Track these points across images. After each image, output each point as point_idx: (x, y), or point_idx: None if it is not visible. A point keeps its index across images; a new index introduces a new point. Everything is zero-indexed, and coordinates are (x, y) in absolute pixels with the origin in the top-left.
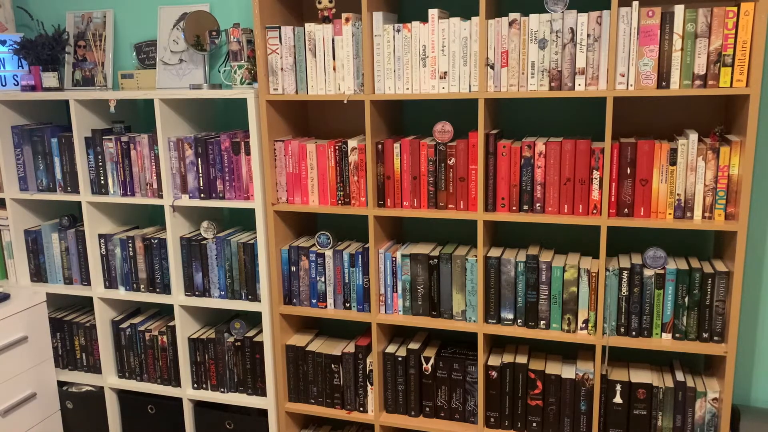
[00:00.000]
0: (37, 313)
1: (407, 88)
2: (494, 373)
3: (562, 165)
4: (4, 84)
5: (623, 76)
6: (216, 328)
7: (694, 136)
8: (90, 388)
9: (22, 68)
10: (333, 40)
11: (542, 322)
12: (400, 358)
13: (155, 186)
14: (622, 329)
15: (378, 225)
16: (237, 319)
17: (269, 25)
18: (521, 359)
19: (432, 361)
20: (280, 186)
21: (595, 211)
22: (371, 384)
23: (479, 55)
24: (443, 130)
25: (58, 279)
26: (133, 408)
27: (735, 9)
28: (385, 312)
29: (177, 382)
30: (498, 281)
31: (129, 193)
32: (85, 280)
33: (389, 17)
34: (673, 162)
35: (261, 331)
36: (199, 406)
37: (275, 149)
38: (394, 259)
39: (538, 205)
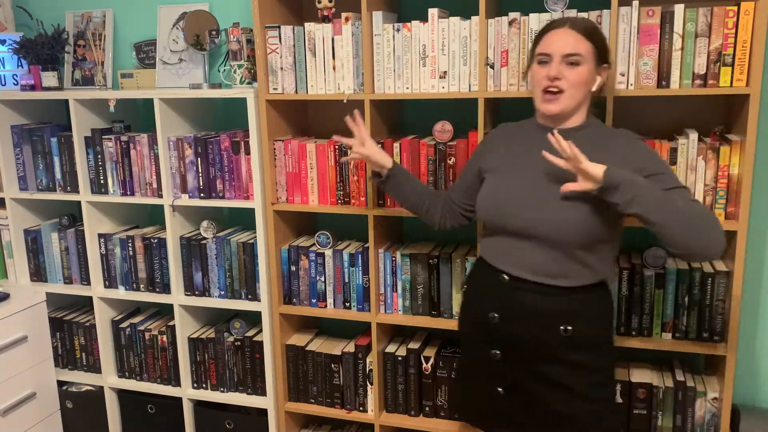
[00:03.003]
0: (37, 313)
1: (407, 88)
2: None
3: None
4: (3, 83)
5: (623, 75)
6: (216, 327)
7: (694, 136)
8: (90, 387)
9: (22, 68)
10: (333, 40)
11: None
12: (399, 358)
13: (155, 185)
14: (622, 329)
15: (378, 224)
16: (237, 319)
17: (269, 25)
18: None
19: (432, 360)
20: (280, 185)
21: None
22: (371, 384)
23: (479, 55)
24: (443, 129)
25: (57, 278)
26: (132, 408)
27: (735, 8)
28: (385, 312)
29: (177, 382)
30: None
31: (129, 193)
32: (85, 279)
33: (389, 17)
34: (673, 161)
35: (261, 330)
36: (198, 405)
37: (275, 149)
38: (393, 258)
39: None
